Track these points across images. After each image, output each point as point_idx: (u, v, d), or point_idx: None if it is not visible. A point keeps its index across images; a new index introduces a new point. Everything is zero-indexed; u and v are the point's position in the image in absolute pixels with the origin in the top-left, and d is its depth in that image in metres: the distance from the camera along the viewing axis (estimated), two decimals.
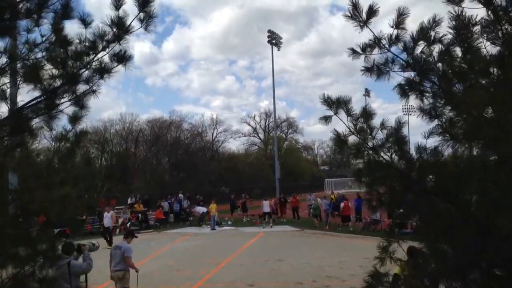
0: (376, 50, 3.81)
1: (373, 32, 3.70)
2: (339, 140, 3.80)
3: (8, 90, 3.99)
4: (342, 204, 21.45)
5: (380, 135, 3.75)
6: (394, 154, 3.67)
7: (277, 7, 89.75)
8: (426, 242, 3.55)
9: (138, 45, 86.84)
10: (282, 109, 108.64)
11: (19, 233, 3.59)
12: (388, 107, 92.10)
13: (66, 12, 3.86)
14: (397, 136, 3.65)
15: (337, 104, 3.75)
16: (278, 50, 42.31)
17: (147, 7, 3.89)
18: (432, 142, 3.73)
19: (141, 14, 3.92)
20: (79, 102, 4.00)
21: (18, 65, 3.92)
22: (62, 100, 3.94)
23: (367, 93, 57.47)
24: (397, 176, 3.63)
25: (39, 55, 3.95)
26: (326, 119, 3.81)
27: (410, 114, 60.33)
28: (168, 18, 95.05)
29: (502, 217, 3.02)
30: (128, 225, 22.87)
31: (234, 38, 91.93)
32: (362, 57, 3.92)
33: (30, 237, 3.64)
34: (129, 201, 27.94)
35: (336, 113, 3.77)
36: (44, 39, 3.88)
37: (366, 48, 3.80)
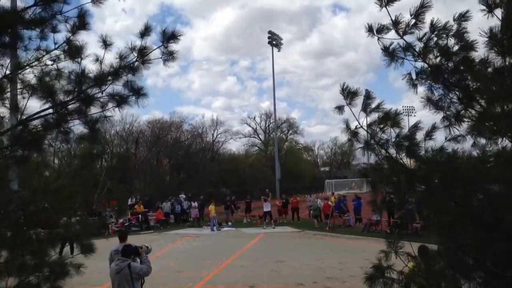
0: (391, 35, 3.84)
1: (390, 16, 3.74)
2: (349, 131, 3.85)
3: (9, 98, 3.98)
4: (322, 203, 23.03)
5: (390, 131, 3.79)
6: (403, 151, 3.69)
7: (279, 7, 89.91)
8: (436, 239, 3.56)
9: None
10: (283, 110, 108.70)
11: (22, 241, 3.58)
12: (389, 108, 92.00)
13: (81, 23, 3.86)
14: (411, 138, 3.67)
15: (352, 95, 3.81)
16: (279, 51, 42.50)
17: (170, 43, 3.93)
18: (438, 141, 3.76)
19: (163, 48, 3.95)
20: (90, 125, 3.99)
21: (30, 77, 3.92)
22: (73, 118, 3.93)
23: (367, 94, 57.49)
24: (404, 173, 3.64)
25: (49, 62, 3.96)
26: (340, 108, 3.88)
27: (410, 115, 60.31)
28: (169, 19, 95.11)
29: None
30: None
31: (236, 38, 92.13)
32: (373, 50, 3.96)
33: (34, 245, 3.63)
34: (129, 202, 27.92)
35: (349, 104, 3.82)
36: (57, 46, 3.88)
37: (383, 29, 3.83)
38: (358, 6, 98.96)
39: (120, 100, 4.01)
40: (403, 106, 56.62)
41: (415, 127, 3.82)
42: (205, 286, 10.67)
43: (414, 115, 61.52)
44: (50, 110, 3.80)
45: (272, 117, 50.19)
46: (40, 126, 3.78)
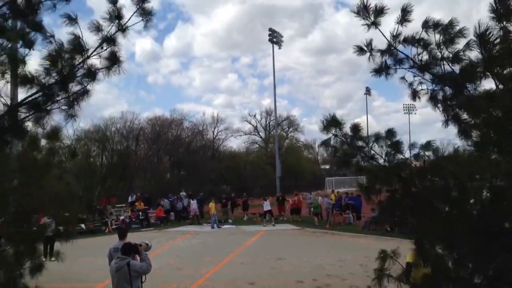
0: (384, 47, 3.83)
1: (385, 36, 3.71)
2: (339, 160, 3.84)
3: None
4: (295, 198, 24.42)
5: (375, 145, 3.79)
6: (389, 157, 3.69)
7: (280, 3, 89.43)
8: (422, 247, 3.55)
9: (139, 42, 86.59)
10: (283, 107, 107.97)
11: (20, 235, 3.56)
12: (390, 105, 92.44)
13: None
14: (393, 143, 3.67)
15: (336, 124, 3.80)
16: (279, 48, 42.29)
17: (145, 2, 3.85)
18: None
19: (139, 10, 3.88)
20: (73, 102, 3.95)
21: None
22: (58, 98, 3.89)
23: (367, 91, 57.54)
24: (396, 180, 3.64)
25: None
26: (327, 144, 3.87)
27: (411, 113, 60.17)
28: (170, 15, 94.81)
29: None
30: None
31: (237, 35, 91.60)
32: (367, 54, 3.95)
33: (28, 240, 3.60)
34: (129, 199, 27.94)
35: (336, 135, 3.81)
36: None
37: (372, 48, 3.82)
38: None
39: (93, 73, 3.94)
40: (404, 104, 56.55)
41: (391, 134, 3.79)
42: (205, 283, 10.69)
43: (415, 113, 61.48)
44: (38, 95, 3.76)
45: (273, 115, 50.13)
46: (26, 111, 3.73)
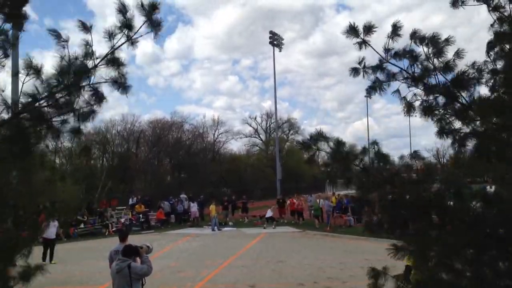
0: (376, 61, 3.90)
1: (377, 53, 3.77)
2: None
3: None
4: (288, 202, 25.43)
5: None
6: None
7: (281, 5, 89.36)
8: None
9: (140, 44, 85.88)
10: (284, 109, 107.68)
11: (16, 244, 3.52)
12: (391, 108, 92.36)
13: None
14: (381, 155, 3.71)
15: (316, 138, 3.85)
16: (280, 51, 42.36)
17: (153, 13, 3.83)
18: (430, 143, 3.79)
19: (148, 21, 3.87)
20: (80, 117, 3.92)
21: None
22: (64, 111, 3.88)
23: (368, 94, 57.52)
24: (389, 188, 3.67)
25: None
26: (306, 148, 3.92)
27: (411, 116, 60.27)
28: (170, 17, 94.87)
29: None
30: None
31: (238, 37, 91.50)
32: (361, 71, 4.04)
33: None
34: (130, 201, 27.95)
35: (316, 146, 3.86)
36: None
37: (365, 66, 3.91)
38: (361, 5, 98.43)
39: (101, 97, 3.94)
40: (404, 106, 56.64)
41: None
42: (205, 285, 10.68)
43: (415, 116, 61.57)
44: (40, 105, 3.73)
45: (273, 117, 50.19)
46: (30, 119, 3.70)
